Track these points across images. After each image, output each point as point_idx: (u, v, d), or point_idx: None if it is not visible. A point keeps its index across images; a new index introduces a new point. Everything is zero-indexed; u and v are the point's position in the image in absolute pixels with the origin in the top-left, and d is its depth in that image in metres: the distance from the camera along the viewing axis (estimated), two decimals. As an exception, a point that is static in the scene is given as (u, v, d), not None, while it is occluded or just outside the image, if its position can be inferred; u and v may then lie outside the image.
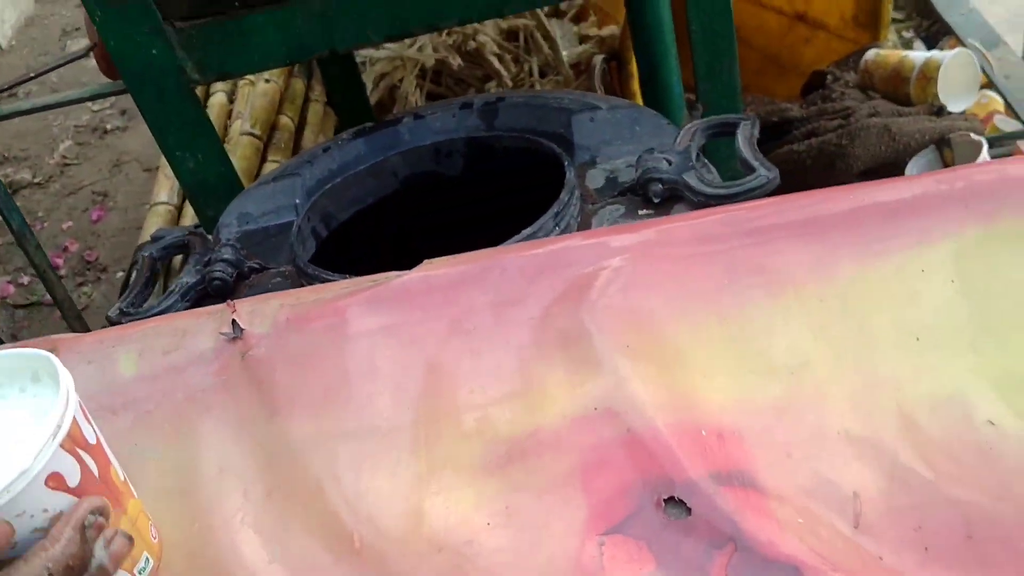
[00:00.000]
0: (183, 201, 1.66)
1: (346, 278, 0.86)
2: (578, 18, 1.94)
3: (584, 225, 0.92)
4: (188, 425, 0.67)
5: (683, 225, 0.68)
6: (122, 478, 0.58)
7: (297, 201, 1.07)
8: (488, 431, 0.62)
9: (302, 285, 0.94)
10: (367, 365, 0.67)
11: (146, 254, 1.03)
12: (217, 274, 0.96)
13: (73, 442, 0.53)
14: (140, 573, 0.57)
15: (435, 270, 0.72)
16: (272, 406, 0.67)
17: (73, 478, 0.53)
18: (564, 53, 1.87)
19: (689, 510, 0.56)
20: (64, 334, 0.75)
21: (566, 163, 0.96)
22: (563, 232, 0.90)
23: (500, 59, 1.89)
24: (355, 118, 1.85)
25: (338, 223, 1.07)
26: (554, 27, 1.89)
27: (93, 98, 1.25)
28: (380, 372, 0.67)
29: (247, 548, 0.59)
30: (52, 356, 0.56)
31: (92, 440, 0.56)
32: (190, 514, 0.62)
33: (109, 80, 1.25)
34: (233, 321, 0.72)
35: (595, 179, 0.99)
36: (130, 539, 0.55)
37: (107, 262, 2.50)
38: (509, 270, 0.70)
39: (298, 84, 1.78)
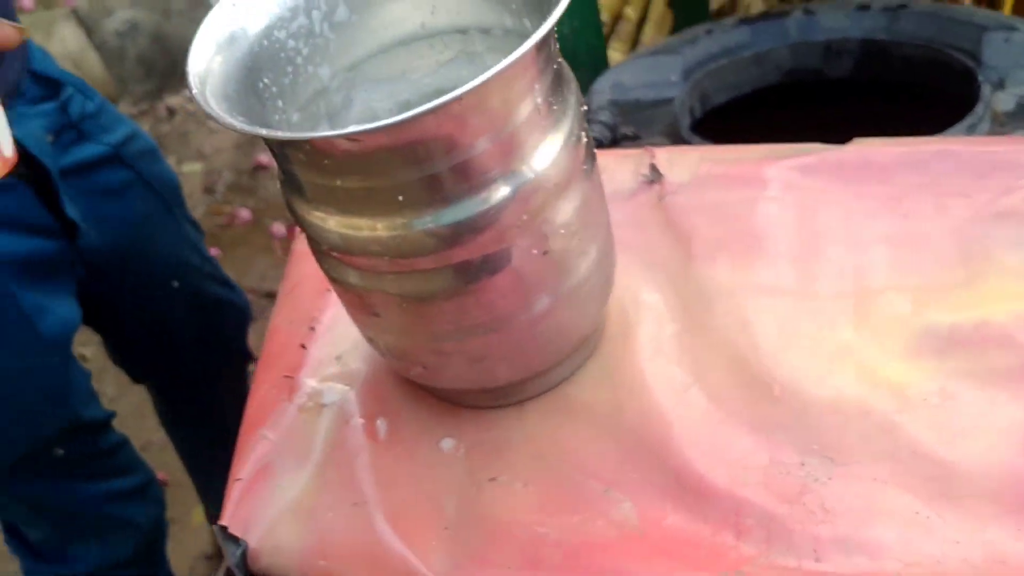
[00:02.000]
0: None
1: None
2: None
3: (992, 145, 0.87)
4: (603, 254, 0.69)
5: None
6: None
7: (674, 79, 1.06)
8: (925, 314, 0.60)
9: (678, 157, 0.94)
10: (793, 228, 0.67)
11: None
12: (595, 134, 0.98)
13: None
14: None
15: (872, 149, 0.70)
16: (688, 251, 0.67)
17: None
18: (925, -14, 1.75)
19: None
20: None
21: (980, 78, 0.91)
22: (973, 147, 0.85)
23: (853, -17, 1.79)
24: (692, 20, 1.82)
25: (712, 105, 1.06)
26: (918, -43, 1.77)
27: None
28: (806, 237, 0.66)
29: (663, 372, 0.61)
30: None
31: None
32: (605, 334, 0.64)
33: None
34: (652, 165, 0.73)
35: (1004, 102, 0.92)
36: None
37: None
38: (955, 160, 0.67)
39: (644, -22, 1.77)
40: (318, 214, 0.51)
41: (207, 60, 0.51)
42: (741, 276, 0.65)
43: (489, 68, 0.60)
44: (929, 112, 0.98)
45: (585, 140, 0.55)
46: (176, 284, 1.23)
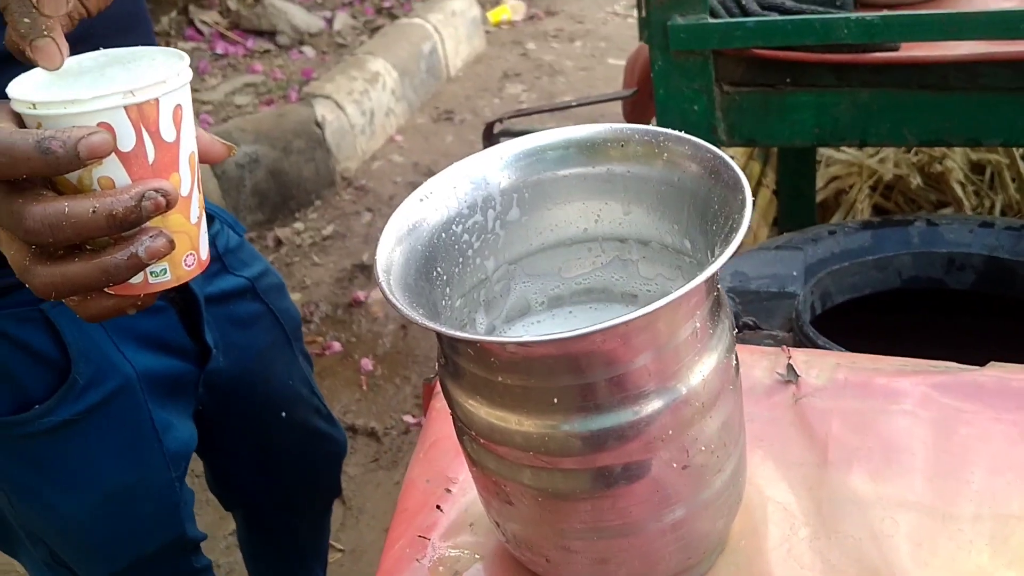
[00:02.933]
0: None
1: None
2: (1057, 167, 1.84)
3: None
4: (736, 448, 0.70)
5: None
6: (185, 194, 0.59)
7: (795, 274, 1.09)
8: (1068, 548, 0.59)
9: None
10: (929, 445, 0.67)
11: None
12: (716, 320, 1.01)
13: (141, 117, 0.55)
14: (153, 275, 0.59)
15: (1009, 374, 0.71)
16: (824, 456, 0.69)
17: (126, 143, 0.55)
18: (1034, 199, 1.78)
19: None
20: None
21: (1109, 307, 0.92)
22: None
23: (963, 188, 1.83)
24: (796, 211, 1.87)
25: (832, 304, 1.08)
26: (1028, 170, 1.81)
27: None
28: (942, 455, 0.67)
29: (796, 579, 0.61)
30: (183, 54, 0.59)
31: (169, 138, 0.57)
32: (736, 531, 0.65)
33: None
34: (789, 365, 0.75)
35: None
36: (171, 243, 0.57)
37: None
38: (1098, 396, 0.68)
39: (755, 167, 1.84)
40: (472, 402, 0.54)
41: (389, 251, 0.55)
42: (877, 487, 0.66)
43: (642, 276, 0.64)
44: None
45: (735, 362, 0.57)
46: (284, 415, 1.27)
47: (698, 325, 0.51)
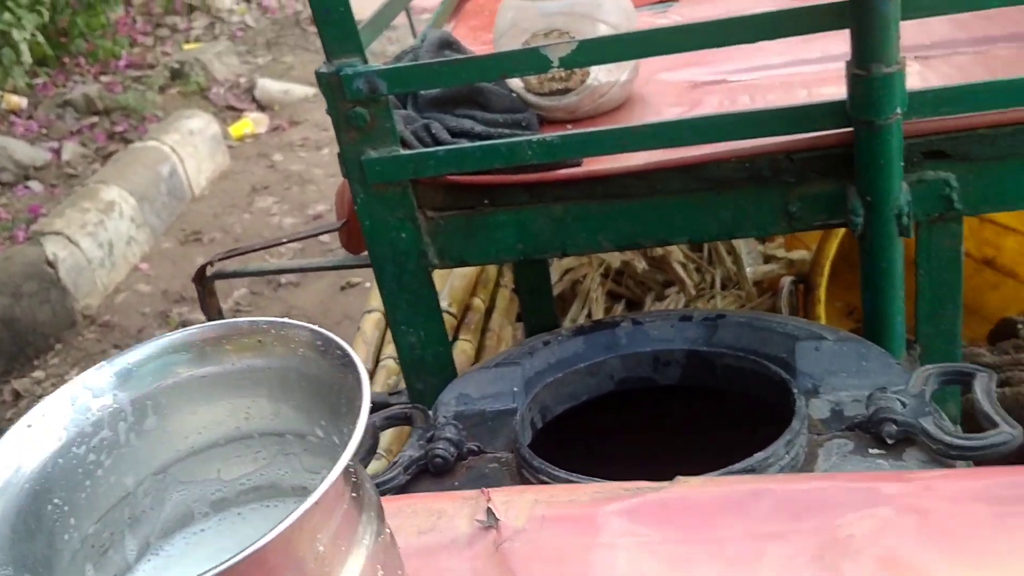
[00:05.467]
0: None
1: (572, 476, 0.88)
2: (764, 238, 1.99)
3: (811, 456, 0.92)
4: (441, 610, 0.68)
5: (963, 481, 0.68)
6: None
7: (515, 389, 1.10)
8: (754, 667, 0.61)
9: (521, 473, 0.96)
10: (625, 577, 0.68)
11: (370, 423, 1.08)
12: (439, 451, 1.00)
13: None
14: None
15: (693, 489, 0.73)
16: (527, 603, 0.68)
17: None
18: (748, 270, 1.91)
19: None
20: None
21: (795, 391, 0.97)
22: (792, 460, 0.90)
23: (684, 268, 1.94)
24: (536, 306, 1.92)
25: (553, 416, 1.10)
26: (739, 244, 1.94)
27: (338, 268, 1.34)
28: (638, 587, 0.67)
29: None
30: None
31: None
32: None
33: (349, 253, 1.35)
34: (489, 510, 0.75)
35: (819, 409, 0.99)
36: None
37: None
38: (772, 502, 0.71)
39: (492, 269, 1.87)
40: None
41: None
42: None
43: (307, 469, 0.61)
44: (754, 415, 1.04)
45: (382, 572, 0.54)
46: None
47: (321, 549, 0.48)
